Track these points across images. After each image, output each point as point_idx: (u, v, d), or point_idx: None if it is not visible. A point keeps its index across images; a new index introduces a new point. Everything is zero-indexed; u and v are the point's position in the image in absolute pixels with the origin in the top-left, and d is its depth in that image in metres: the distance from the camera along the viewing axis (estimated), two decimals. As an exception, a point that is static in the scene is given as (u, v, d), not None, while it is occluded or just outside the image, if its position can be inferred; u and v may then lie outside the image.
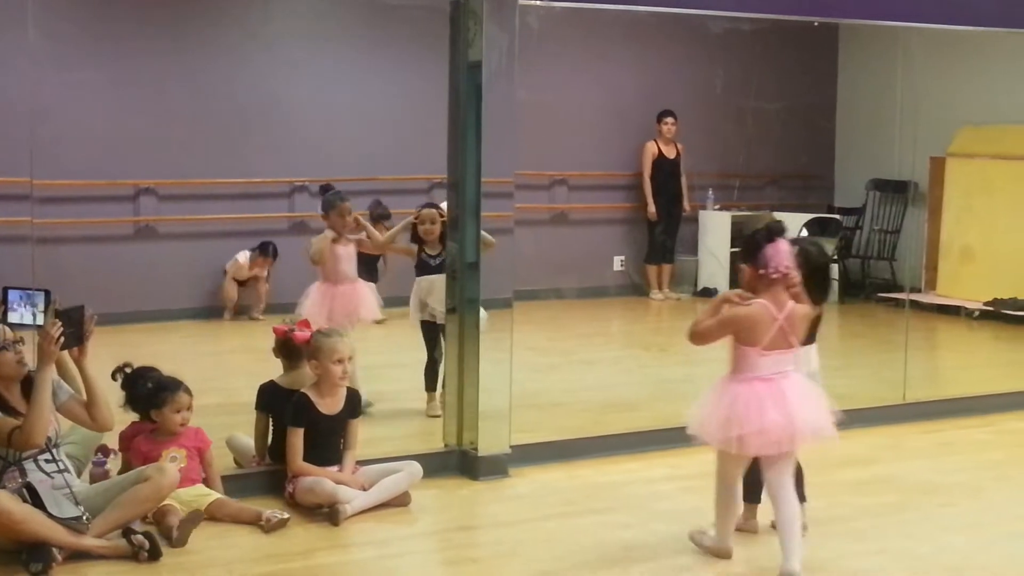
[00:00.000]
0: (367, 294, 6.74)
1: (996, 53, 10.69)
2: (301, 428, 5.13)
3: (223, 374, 7.49)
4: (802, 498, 4.69)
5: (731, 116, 11.75)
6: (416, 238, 6.72)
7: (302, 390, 5.22)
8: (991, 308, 10.51)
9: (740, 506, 4.74)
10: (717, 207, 11.70)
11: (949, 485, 5.70)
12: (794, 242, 4.50)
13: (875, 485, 5.69)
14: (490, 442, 5.77)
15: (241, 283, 9.91)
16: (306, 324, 5.48)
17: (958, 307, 10.75)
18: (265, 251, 9.86)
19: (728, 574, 4.61)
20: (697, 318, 4.39)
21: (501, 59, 5.74)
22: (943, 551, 4.79)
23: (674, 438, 5.49)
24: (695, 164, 11.58)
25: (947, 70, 10.90)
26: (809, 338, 4.62)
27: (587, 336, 9.34)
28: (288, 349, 5.48)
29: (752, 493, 4.83)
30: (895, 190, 11.76)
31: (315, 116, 10.34)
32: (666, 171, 11.38)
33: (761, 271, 4.30)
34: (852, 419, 6.66)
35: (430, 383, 6.57)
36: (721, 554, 4.69)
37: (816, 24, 7.89)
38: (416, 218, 6.67)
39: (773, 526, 4.60)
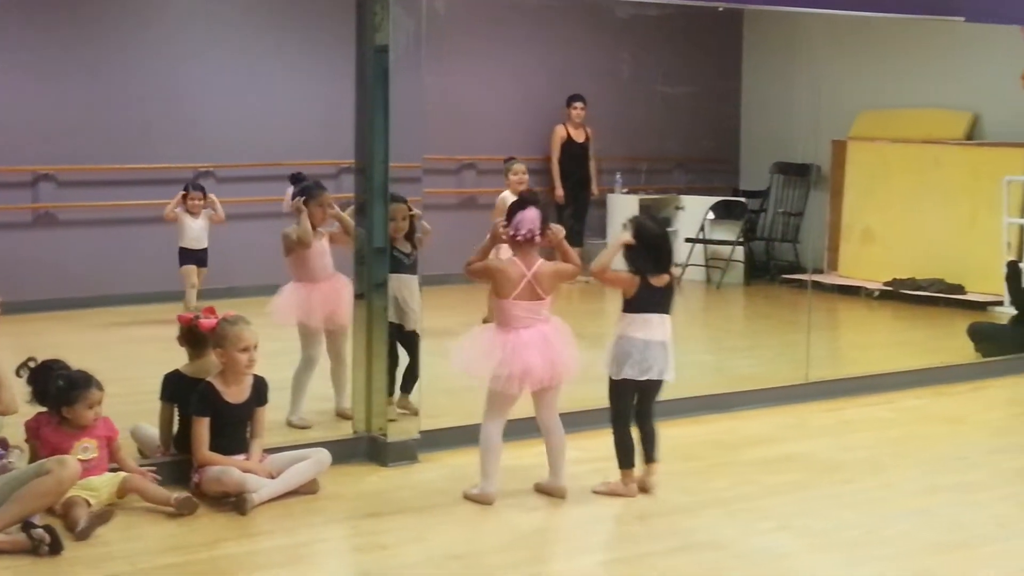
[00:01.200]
0: (347, 293, 6.11)
1: (895, 39, 10.90)
2: (206, 417, 5.06)
3: (128, 363, 7.36)
4: (652, 459, 5.25)
5: (638, 100, 11.86)
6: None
7: (207, 379, 5.16)
8: (890, 288, 10.77)
9: (500, 451, 5.10)
10: (625, 191, 11.78)
11: (850, 462, 5.83)
12: (634, 217, 5.24)
13: (779, 463, 5.80)
14: (399, 428, 5.77)
15: None
16: (211, 311, 5.40)
17: (859, 288, 10.98)
18: None
19: (640, 553, 4.68)
20: (471, 257, 5.12)
21: (408, 43, 5.71)
22: (844, 527, 4.90)
23: (583, 420, 5.55)
24: (603, 148, 11.65)
25: (848, 56, 11.10)
26: (664, 308, 5.14)
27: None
28: (193, 337, 5.40)
29: (627, 458, 5.19)
30: (798, 173, 11.97)
31: (219, 101, 10.20)
32: (575, 155, 11.44)
33: (511, 233, 5.02)
34: (757, 399, 6.89)
35: (406, 385, 6.19)
36: (486, 501, 5.00)
37: (721, 9, 7.98)
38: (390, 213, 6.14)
39: (642, 489, 5.21)
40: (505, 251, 5.45)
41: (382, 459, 5.65)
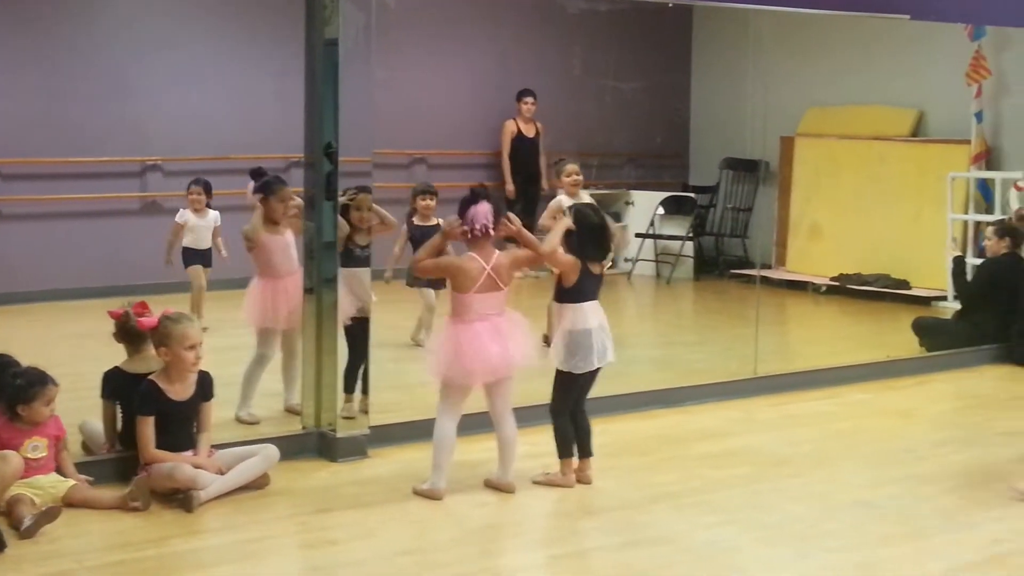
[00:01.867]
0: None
1: (842, 36, 11.03)
2: (151, 417, 5.00)
3: (72, 359, 7.26)
4: (589, 453, 5.31)
5: (589, 96, 11.89)
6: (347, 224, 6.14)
7: (150, 377, 5.09)
8: (837, 283, 10.89)
9: (453, 446, 5.11)
10: (575, 186, 11.79)
11: (797, 456, 5.89)
12: (574, 205, 5.40)
13: (726, 457, 5.84)
14: (348, 423, 5.75)
15: None
16: (144, 306, 5.30)
17: (806, 283, 11.09)
18: None
19: (589, 548, 4.69)
20: (419, 253, 5.13)
21: (358, 37, 5.68)
22: (791, 520, 4.95)
23: (533, 416, 5.55)
24: (554, 143, 11.67)
25: (796, 53, 11.21)
26: (598, 295, 5.21)
27: (440, 317, 9.36)
28: (128, 333, 5.30)
29: (567, 448, 5.25)
30: (747, 169, 12.06)
31: (168, 95, 10.11)
32: (525, 150, 11.46)
33: (466, 228, 5.02)
34: (706, 393, 6.92)
35: (349, 385, 6.10)
36: (435, 496, 5.01)
37: (670, 5, 8.01)
38: (351, 201, 6.08)
39: (581, 481, 5.26)
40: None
41: (332, 455, 5.63)
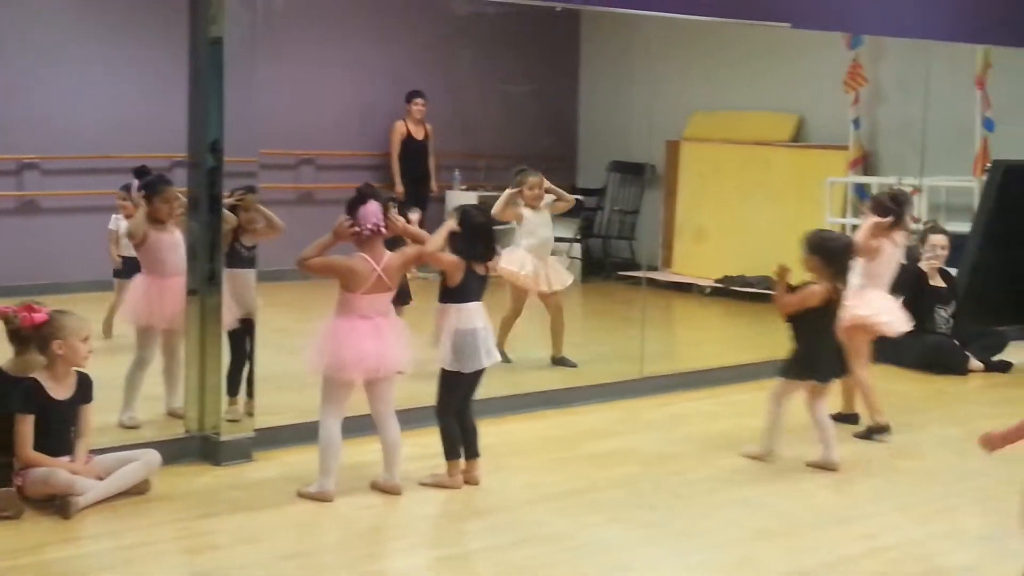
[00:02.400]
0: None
1: (726, 42, 11.23)
2: (31, 415, 4.88)
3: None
4: (476, 453, 5.34)
5: (477, 98, 11.93)
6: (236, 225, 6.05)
7: (31, 374, 4.97)
8: (721, 285, 11.09)
9: (340, 448, 5.08)
10: (464, 187, 11.84)
11: (680, 455, 5.98)
12: (460, 207, 5.41)
13: (612, 457, 5.91)
14: (233, 426, 5.68)
15: None
16: (31, 308, 5.16)
17: (691, 284, 11.28)
18: None
19: (475, 549, 4.71)
20: (306, 251, 5.03)
21: (244, 36, 5.62)
22: (674, 518, 5.03)
23: (421, 417, 5.55)
24: (442, 144, 11.67)
25: (682, 58, 11.38)
26: (477, 295, 5.24)
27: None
28: (13, 334, 5.17)
29: (454, 449, 5.28)
30: (634, 172, 12.21)
31: (46, 92, 9.85)
32: (415, 152, 11.44)
33: (356, 229, 4.99)
34: (592, 395, 6.99)
35: (232, 388, 6.02)
36: (325, 498, 5.00)
37: (558, 9, 8.07)
38: (240, 201, 5.97)
39: (469, 482, 5.28)
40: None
41: (215, 458, 5.55)
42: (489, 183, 12.03)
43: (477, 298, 5.26)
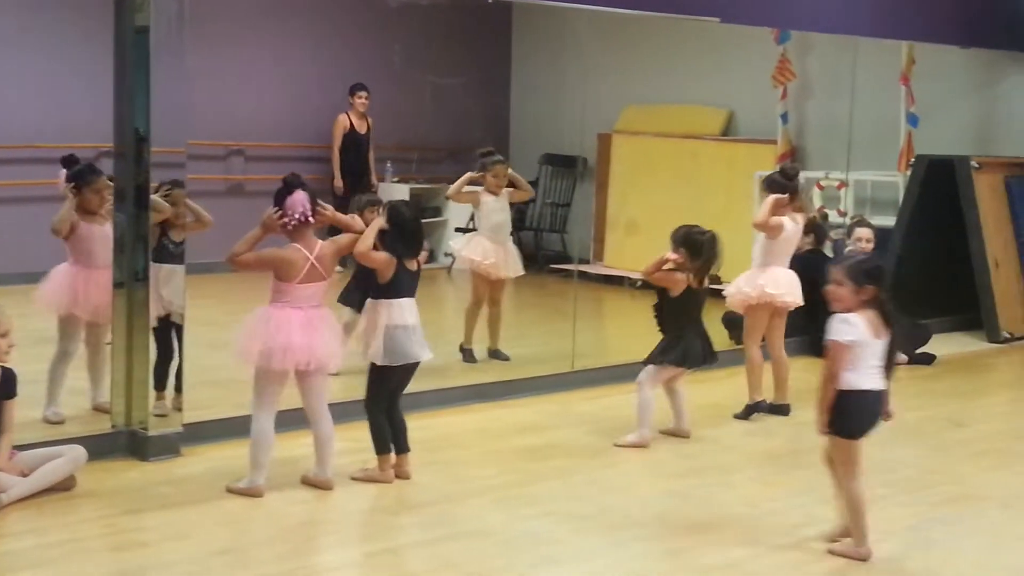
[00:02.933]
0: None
1: (657, 37, 11.29)
2: (-49, 412, 4.79)
3: None
4: (406, 448, 5.33)
5: (408, 90, 11.86)
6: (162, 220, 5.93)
7: (-49, 372, 4.87)
8: (652, 278, 11.13)
9: (272, 443, 5.04)
10: (396, 179, 11.78)
11: (612, 448, 6.01)
12: (388, 202, 5.44)
13: (544, 450, 5.92)
14: (160, 421, 5.61)
15: None
16: None
17: (623, 277, 11.32)
18: None
19: (407, 543, 4.69)
20: (236, 247, 4.97)
21: (170, 24, 5.54)
22: (606, 510, 5.05)
23: (353, 411, 5.52)
24: (374, 137, 11.61)
25: (614, 51, 11.42)
26: (414, 291, 5.25)
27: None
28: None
29: (384, 444, 5.25)
30: (566, 165, 12.24)
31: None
32: (356, 145, 11.19)
33: (285, 220, 4.98)
34: (524, 388, 7.00)
35: (160, 382, 5.89)
36: (255, 493, 4.97)
37: (490, 1, 8.06)
38: (166, 196, 5.84)
39: (398, 475, 5.25)
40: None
41: (143, 454, 5.48)
42: (421, 175, 12.01)
43: (409, 294, 5.25)
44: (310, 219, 5.04)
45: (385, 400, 5.27)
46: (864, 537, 4.53)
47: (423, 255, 5.34)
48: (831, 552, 4.60)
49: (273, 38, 11.30)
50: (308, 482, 5.17)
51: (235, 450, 5.40)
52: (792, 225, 6.69)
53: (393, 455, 5.29)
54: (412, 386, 5.41)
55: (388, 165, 11.81)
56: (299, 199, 5.01)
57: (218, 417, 5.85)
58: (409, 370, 5.29)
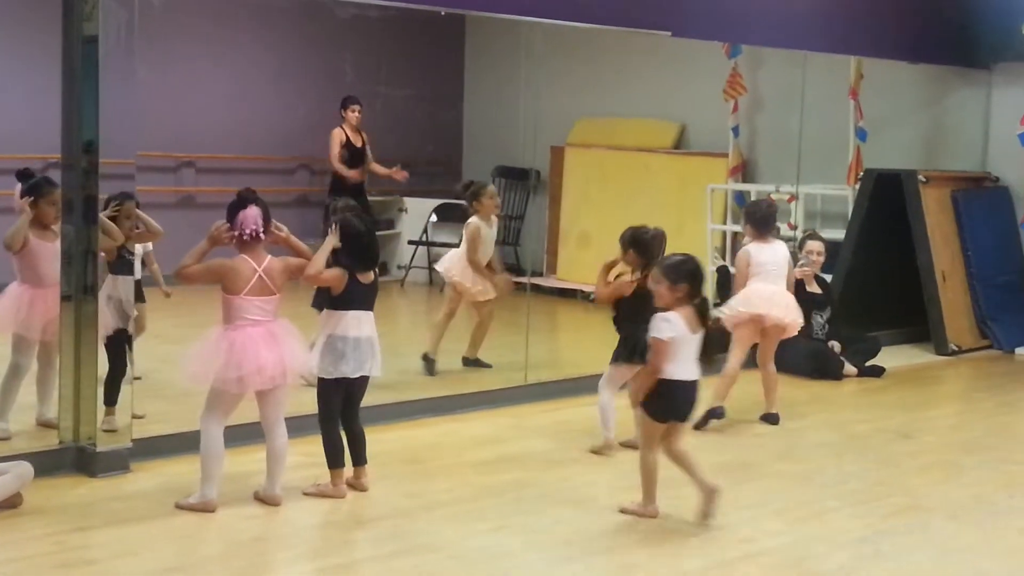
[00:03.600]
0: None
1: (610, 50, 11.35)
2: None
3: None
4: (363, 461, 5.33)
5: (362, 102, 11.81)
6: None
7: None
8: (605, 291, 11.16)
9: (223, 455, 4.99)
10: (348, 192, 11.71)
11: (566, 461, 6.01)
12: (340, 216, 5.37)
13: (498, 464, 5.91)
14: (109, 436, 5.53)
15: None
16: None
17: (576, 290, 11.34)
18: None
19: (359, 559, 4.66)
20: (184, 260, 4.93)
21: (120, 34, 5.49)
22: (559, 524, 5.05)
23: (305, 426, 5.48)
24: (326, 149, 11.54)
25: (567, 64, 11.45)
26: (369, 304, 5.25)
27: (216, 323, 9.13)
28: None
29: (337, 458, 5.23)
30: (519, 178, 12.25)
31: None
32: (353, 159, 10.63)
33: (236, 233, 4.97)
34: (478, 401, 6.99)
35: (110, 397, 5.75)
36: (207, 508, 4.92)
37: (443, 13, 8.06)
38: (117, 211, 5.80)
39: (355, 488, 5.26)
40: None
41: (91, 470, 5.41)
42: (374, 188, 11.96)
43: (362, 307, 5.21)
44: (260, 235, 5.00)
45: (336, 412, 5.24)
46: (652, 498, 5.12)
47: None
48: (622, 511, 5.14)
49: (224, 49, 11.24)
50: (259, 498, 5.13)
51: (184, 465, 5.34)
52: (757, 247, 6.95)
53: (347, 468, 5.25)
54: (366, 399, 5.38)
55: (340, 177, 11.73)
56: (251, 214, 4.98)
57: (168, 432, 5.79)
58: (360, 383, 5.25)
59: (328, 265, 5.15)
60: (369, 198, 11.57)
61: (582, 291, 11.30)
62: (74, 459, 5.48)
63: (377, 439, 5.85)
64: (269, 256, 5.06)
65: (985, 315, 9.68)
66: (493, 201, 7.96)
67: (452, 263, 7.90)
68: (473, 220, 7.90)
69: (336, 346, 5.14)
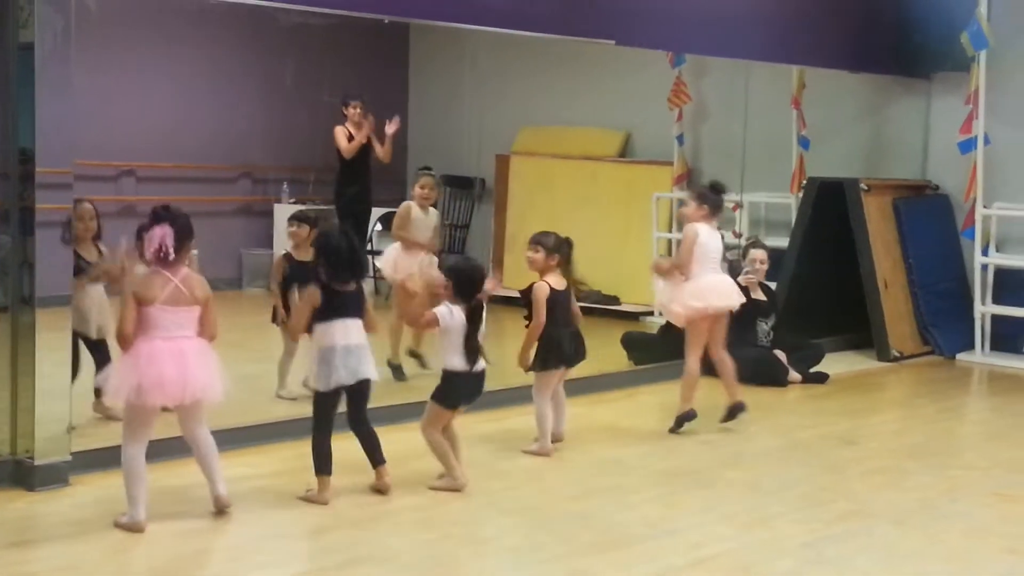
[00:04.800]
0: None
1: (554, 59, 11.36)
2: None
3: None
4: (380, 460, 5.45)
5: (303, 110, 11.75)
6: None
7: None
8: (551, 299, 11.15)
9: (144, 475, 4.89)
10: (292, 200, 11.65)
11: (513, 470, 6.00)
12: (321, 232, 5.65)
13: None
14: (48, 449, 5.42)
15: None
16: None
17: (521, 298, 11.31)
18: None
19: (308, 570, 4.61)
20: (121, 329, 4.79)
21: (56, 41, 5.41)
22: (506, 533, 5.03)
23: (254, 436, 5.44)
24: (269, 157, 11.48)
25: (511, 73, 11.47)
26: (354, 312, 5.30)
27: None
28: None
29: (325, 465, 5.27)
30: (464, 186, 12.22)
31: None
32: (359, 159, 10.29)
33: (152, 250, 4.84)
34: (422, 410, 6.91)
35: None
36: (136, 528, 4.82)
37: (386, 21, 8.02)
38: (75, 214, 5.84)
39: (379, 491, 5.40)
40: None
41: (29, 483, 5.31)
42: (318, 196, 11.88)
43: (347, 315, 5.24)
44: (169, 255, 4.82)
45: (330, 421, 5.30)
46: (453, 468, 5.56)
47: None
48: (431, 488, 5.52)
49: (164, 57, 11.12)
50: (217, 504, 5.03)
51: (126, 478, 5.24)
52: (707, 229, 6.86)
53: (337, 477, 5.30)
54: (303, 410, 5.34)
55: (284, 186, 11.67)
56: (157, 234, 4.82)
57: (108, 445, 5.67)
58: (361, 388, 5.33)
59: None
60: (314, 206, 11.52)
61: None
62: (11, 472, 5.37)
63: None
64: (187, 269, 4.94)
65: (926, 321, 9.80)
66: (422, 191, 8.06)
67: (385, 258, 8.07)
68: (406, 202, 8.09)
69: (327, 357, 5.19)
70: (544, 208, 11.65)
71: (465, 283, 5.59)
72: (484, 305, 5.68)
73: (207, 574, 4.59)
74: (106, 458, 5.57)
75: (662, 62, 10.45)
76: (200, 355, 4.89)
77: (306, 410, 5.43)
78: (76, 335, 5.97)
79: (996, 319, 9.62)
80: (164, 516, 4.94)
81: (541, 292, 6.32)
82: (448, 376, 5.58)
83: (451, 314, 5.48)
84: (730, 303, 6.91)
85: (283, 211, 11.51)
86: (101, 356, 6.12)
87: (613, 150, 11.56)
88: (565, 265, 6.49)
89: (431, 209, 8.11)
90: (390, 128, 9.95)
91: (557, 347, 6.30)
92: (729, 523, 5.26)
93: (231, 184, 11.83)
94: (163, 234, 4.84)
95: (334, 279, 5.23)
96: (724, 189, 7.20)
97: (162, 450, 5.76)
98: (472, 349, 5.57)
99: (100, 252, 6.24)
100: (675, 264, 6.97)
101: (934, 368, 9.40)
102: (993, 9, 9.47)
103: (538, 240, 6.48)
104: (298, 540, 4.95)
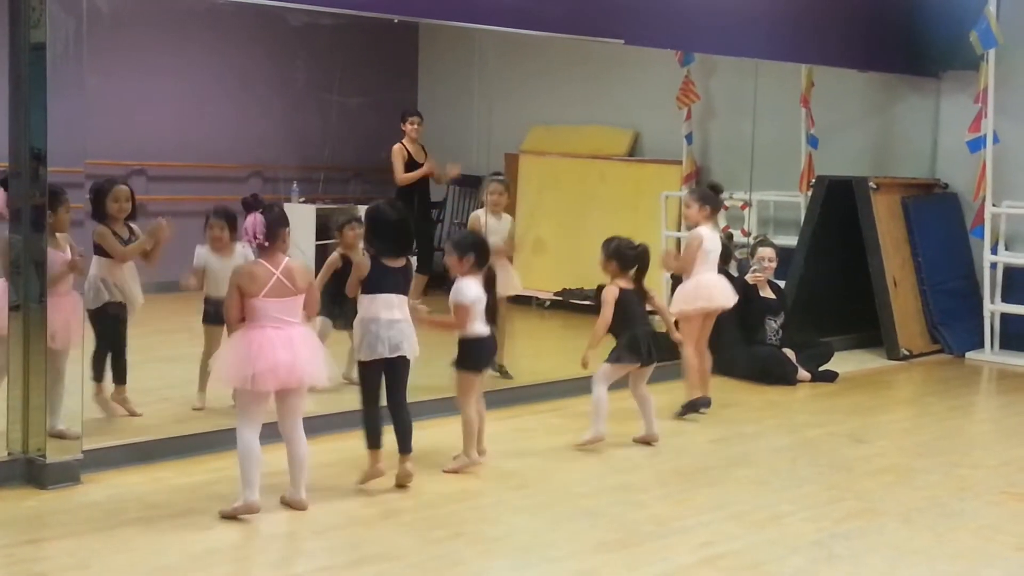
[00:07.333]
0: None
1: (564, 58, 11.38)
2: None
3: None
4: (407, 449, 5.50)
5: (314, 109, 11.78)
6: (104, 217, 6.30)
7: None
8: (560, 298, 11.19)
9: (260, 458, 4.99)
10: (302, 200, 11.68)
11: (523, 468, 6.00)
12: (374, 203, 5.56)
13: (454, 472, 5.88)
14: (59, 448, 5.45)
15: None
16: None
17: (531, 297, 11.34)
18: None
19: (315, 568, 4.62)
20: (227, 315, 5.00)
21: (68, 42, 5.43)
22: (515, 532, 5.04)
23: (264, 434, 5.40)
24: (279, 157, 11.51)
25: (520, 72, 11.47)
26: (401, 288, 5.41)
27: (169, 332, 9.02)
28: None
29: (374, 439, 5.41)
30: (473, 185, 12.23)
31: None
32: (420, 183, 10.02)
33: (246, 239, 5.11)
34: (433, 409, 6.95)
35: (97, 373, 6.09)
36: (251, 510, 4.95)
37: (396, 21, 8.04)
38: (112, 195, 6.25)
39: (398, 477, 5.46)
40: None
41: (41, 482, 5.33)
42: (328, 195, 11.92)
43: (393, 290, 5.35)
44: (263, 243, 5.02)
45: (376, 394, 5.41)
46: (471, 448, 5.79)
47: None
48: (445, 471, 5.71)
49: (175, 57, 11.15)
50: (285, 503, 5.14)
51: (137, 476, 5.28)
52: (709, 232, 7.16)
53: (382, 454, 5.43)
54: (311, 409, 5.35)
55: (294, 185, 11.70)
56: (250, 223, 5.03)
57: (118, 443, 5.72)
58: (394, 365, 5.38)
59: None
60: (323, 205, 11.56)
61: (536, 298, 11.31)
62: (23, 471, 5.40)
63: (331, 448, 5.83)
64: (287, 258, 5.06)
65: (936, 320, 9.79)
66: (492, 197, 8.12)
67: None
68: (476, 211, 8.26)
69: (370, 328, 5.31)
70: (553, 207, 11.67)
71: (481, 255, 5.80)
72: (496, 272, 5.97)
73: (215, 572, 4.60)
74: (119, 456, 5.61)
75: (671, 61, 10.45)
76: (307, 341, 5.05)
77: (312, 409, 5.43)
78: (107, 313, 6.22)
79: (1005, 317, 9.61)
80: (173, 514, 4.96)
81: (610, 294, 6.52)
82: (468, 342, 5.74)
83: (471, 291, 5.69)
84: (724, 303, 7.19)
85: (293, 211, 11.52)
86: (108, 329, 6.25)
87: (622, 149, 11.56)
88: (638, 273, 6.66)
89: (504, 215, 8.12)
90: (452, 171, 9.90)
91: (635, 345, 6.40)
92: (739, 521, 5.27)
93: (241, 183, 11.85)
94: (254, 223, 5.00)
95: (384, 252, 5.34)
96: (722, 189, 7.46)
97: (167, 450, 5.82)
98: (491, 314, 5.77)
99: (132, 231, 6.39)
100: (679, 267, 7.28)
101: (943, 366, 9.39)
102: (1002, 7, 9.45)
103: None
104: (307, 539, 4.96)
